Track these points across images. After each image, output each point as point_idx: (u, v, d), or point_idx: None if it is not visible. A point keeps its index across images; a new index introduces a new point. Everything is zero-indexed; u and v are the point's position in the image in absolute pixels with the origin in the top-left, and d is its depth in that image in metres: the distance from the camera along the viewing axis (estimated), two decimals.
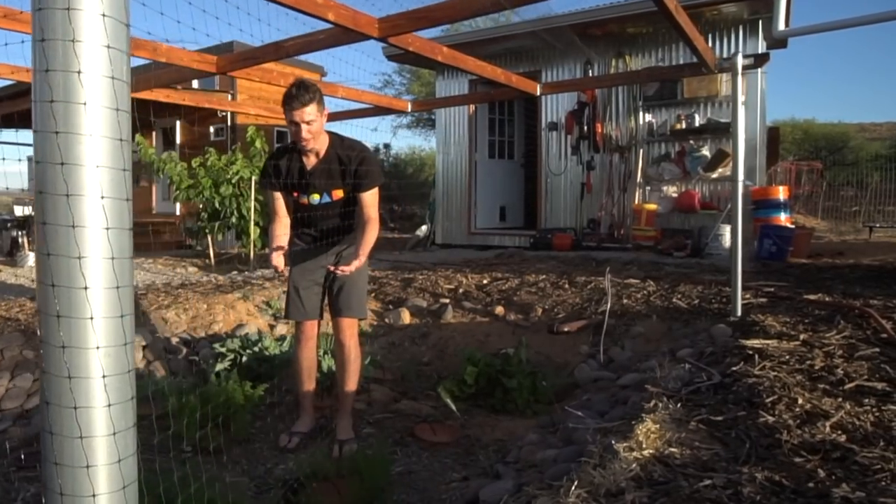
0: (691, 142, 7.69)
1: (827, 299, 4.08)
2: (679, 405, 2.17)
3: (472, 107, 9.24)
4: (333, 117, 6.85)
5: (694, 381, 2.45)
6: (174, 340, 4.12)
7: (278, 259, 2.64)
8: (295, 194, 2.83)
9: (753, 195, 7.24)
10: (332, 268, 2.62)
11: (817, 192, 15.26)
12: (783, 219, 7.24)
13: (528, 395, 3.37)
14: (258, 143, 7.56)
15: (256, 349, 3.77)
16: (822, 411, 2.00)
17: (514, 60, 8.81)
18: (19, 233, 7.93)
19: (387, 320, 4.92)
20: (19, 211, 9.05)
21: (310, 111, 2.56)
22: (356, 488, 2.34)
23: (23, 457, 2.72)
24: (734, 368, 2.51)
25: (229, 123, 10.96)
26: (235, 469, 2.68)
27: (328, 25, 2.76)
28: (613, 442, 1.79)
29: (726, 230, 6.94)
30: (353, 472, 2.42)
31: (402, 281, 5.65)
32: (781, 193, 7.40)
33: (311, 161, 2.75)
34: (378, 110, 5.15)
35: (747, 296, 4.34)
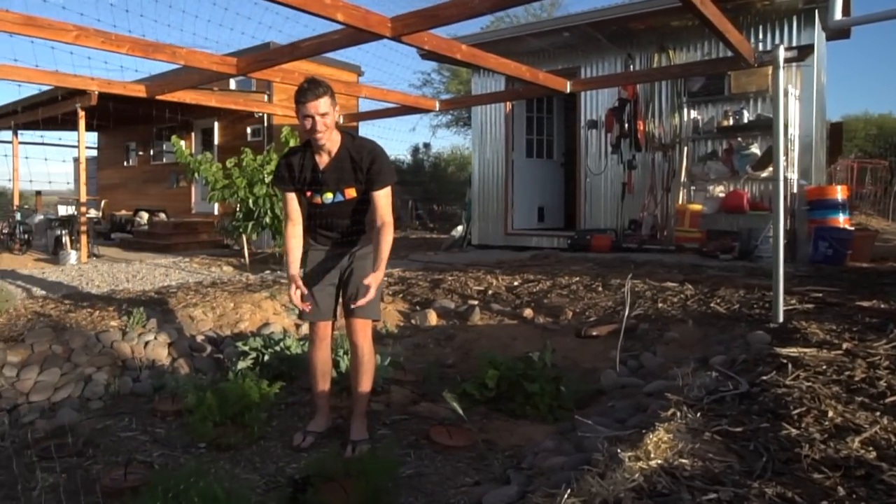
0: (739, 139, 7.42)
1: (882, 306, 3.87)
2: (699, 414, 2.09)
3: (509, 105, 9.18)
4: (360, 117, 6.92)
5: (719, 390, 2.35)
6: (199, 338, 4.23)
7: (298, 297, 2.69)
8: (308, 194, 2.85)
9: (809, 195, 6.95)
10: (353, 304, 2.69)
11: (881, 192, 14.50)
12: (841, 220, 6.89)
13: (550, 401, 3.30)
14: (292, 143, 7.69)
15: (278, 348, 3.83)
16: (853, 425, 1.89)
17: (552, 57, 8.72)
18: (63, 232, 8.30)
19: (413, 321, 4.93)
20: (63, 210, 9.47)
21: (323, 103, 2.60)
22: (363, 489, 2.35)
23: (52, 447, 2.84)
24: (764, 378, 2.40)
25: (266, 124, 11.21)
26: (247, 467, 2.73)
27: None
28: (619, 451, 1.73)
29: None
30: (361, 472, 2.42)
31: (430, 282, 5.65)
32: (839, 193, 7.05)
33: (323, 160, 2.78)
34: (405, 109, 5.16)
35: (793, 301, 4.16)
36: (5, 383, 3.34)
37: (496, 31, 8.41)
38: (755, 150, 7.32)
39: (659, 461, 1.68)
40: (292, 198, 2.86)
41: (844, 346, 2.84)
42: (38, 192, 12.89)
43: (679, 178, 7.75)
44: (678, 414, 2.08)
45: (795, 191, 7.00)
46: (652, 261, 6.43)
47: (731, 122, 7.42)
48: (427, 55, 9.16)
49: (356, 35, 3.00)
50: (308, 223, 2.95)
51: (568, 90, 4.51)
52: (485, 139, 9.51)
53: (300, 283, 2.73)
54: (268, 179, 7.55)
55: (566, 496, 1.44)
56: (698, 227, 7.36)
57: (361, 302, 2.61)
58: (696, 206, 7.44)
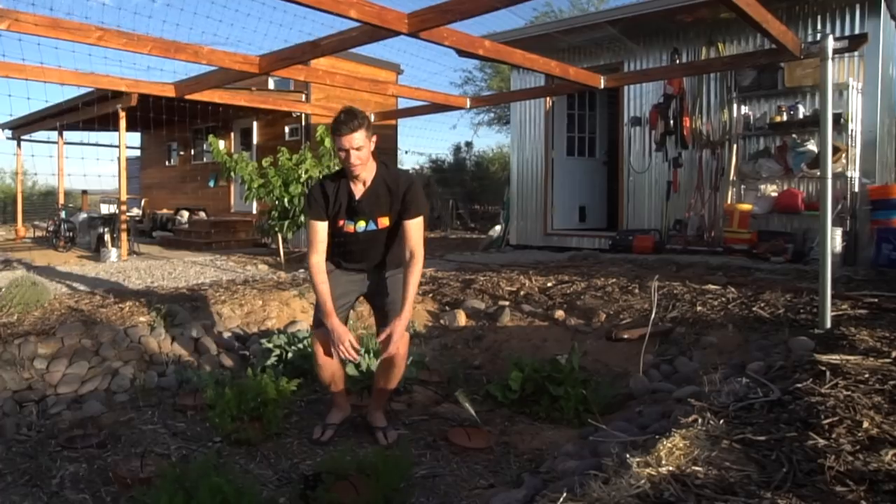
0: (794, 136, 7.14)
1: None
2: (722, 421, 2.01)
3: (549, 102, 9.10)
4: (388, 116, 6.95)
5: (748, 397, 2.26)
6: (226, 335, 4.34)
7: (349, 350, 2.69)
8: (340, 223, 2.86)
9: (871, 194, 6.63)
10: (385, 354, 2.73)
11: None
12: None
13: (576, 405, 3.24)
14: (327, 143, 7.80)
15: (301, 346, 3.89)
16: (891, 438, 1.79)
17: (594, 53, 8.60)
18: (104, 229, 8.65)
19: (442, 321, 4.93)
20: (105, 209, 9.87)
21: (358, 137, 2.64)
22: (374, 488, 2.36)
23: (76, 438, 2.96)
24: (798, 385, 2.30)
25: (303, 123, 11.42)
26: (262, 462, 2.78)
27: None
28: (628, 456, 1.68)
29: (837, 233, 6.40)
30: (374, 471, 2.43)
31: (462, 282, 5.64)
32: None
33: (358, 188, 2.82)
34: (435, 107, 5.17)
35: (844, 306, 3.98)
36: (35, 375, 3.50)
37: (536, 26, 8.34)
38: (811, 146, 7.02)
39: (670, 468, 1.63)
40: (323, 227, 2.84)
41: (894, 354, 2.69)
42: (85, 192, 13.47)
43: (728, 177, 7.51)
44: (700, 420, 2.01)
45: (857, 190, 6.69)
46: (696, 262, 6.26)
47: (784, 117, 7.15)
48: (464, 52, 9.17)
49: (373, 32, 3.03)
50: (335, 251, 2.95)
51: (602, 86, 4.43)
52: (524, 137, 9.45)
53: (344, 330, 2.72)
54: (303, 178, 7.68)
55: (561, 500, 1.40)
56: (748, 228, 7.12)
57: (392, 350, 2.64)
58: (747, 206, 7.20)
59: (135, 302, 4.62)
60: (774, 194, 7.21)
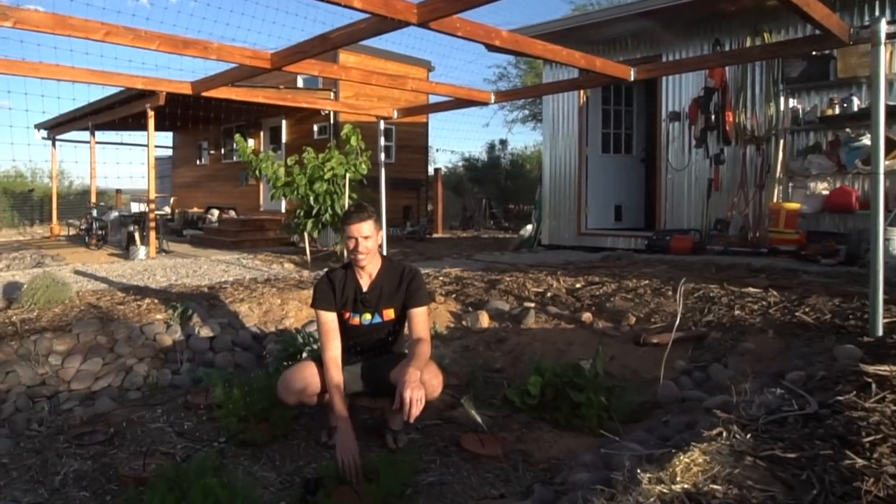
0: (847, 130, 6.80)
1: None
2: (749, 436, 1.87)
3: (583, 97, 8.92)
4: (409, 112, 6.83)
5: (781, 410, 2.11)
6: (243, 333, 4.33)
7: (351, 468, 2.50)
8: (346, 315, 2.92)
9: None
10: (409, 419, 2.51)
11: None
12: None
13: (598, 412, 3.11)
14: (353, 141, 7.80)
15: (316, 346, 3.85)
16: None
17: (632, 46, 8.40)
18: (134, 228, 8.83)
19: (464, 323, 4.84)
20: (135, 207, 10.08)
21: (366, 227, 2.81)
22: (376, 494, 2.29)
23: (84, 434, 2.97)
24: (839, 398, 2.13)
25: (331, 121, 11.48)
26: (267, 464, 2.73)
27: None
28: (639, 471, 1.57)
29: (893, 234, 6.07)
30: (377, 477, 2.36)
31: (487, 282, 5.54)
32: None
33: (365, 281, 2.93)
34: (459, 102, 5.08)
35: None
36: (49, 371, 3.54)
37: (571, 18, 8.18)
38: (867, 141, 6.69)
39: (685, 486, 1.51)
40: (333, 318, 2.87)
41: None
42: (119, 191, 13.83)
43: (774, 174, 7.22)
44: (724, 434, 1.88)
45: None
46: (738, 264, 6.01)
47: (837, 110, 6.82)
48: (492, 47, 9.05)
49: (382, 22, 2.96)
50: (343, 348, 2.95)
51: (632, 78, 4.26)
52: (556, 133, 9.28)
53: (353, 443, 2.56)
54: (328, 176, 7.70)
55: None
56: (795, 228, 6.82)
57: (415, 412, 2.46)
58: (794, 205, 6.90)
59: (153, 299, 4.67)
60: (825, 192, 6.88)
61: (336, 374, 2.78)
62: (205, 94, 4.30)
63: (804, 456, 1.67)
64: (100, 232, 9.89)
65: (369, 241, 2.83)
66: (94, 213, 10.25)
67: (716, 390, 3.18)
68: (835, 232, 6.72)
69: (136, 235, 8.63)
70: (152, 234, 8.60)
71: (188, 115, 11.17)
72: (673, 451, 1.71)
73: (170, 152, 16.51)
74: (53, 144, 13.06)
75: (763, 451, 1.73)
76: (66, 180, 21.91)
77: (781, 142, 7.16)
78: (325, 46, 3.27)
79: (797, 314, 3.96)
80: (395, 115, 5.76)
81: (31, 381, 3.46)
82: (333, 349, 2.82)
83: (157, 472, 2.31)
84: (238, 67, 3.86)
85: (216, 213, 12.86)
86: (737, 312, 4.15)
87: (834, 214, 6.79)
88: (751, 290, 4.57)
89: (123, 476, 2.57)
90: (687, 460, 1.64)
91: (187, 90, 4.26)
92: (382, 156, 5.92)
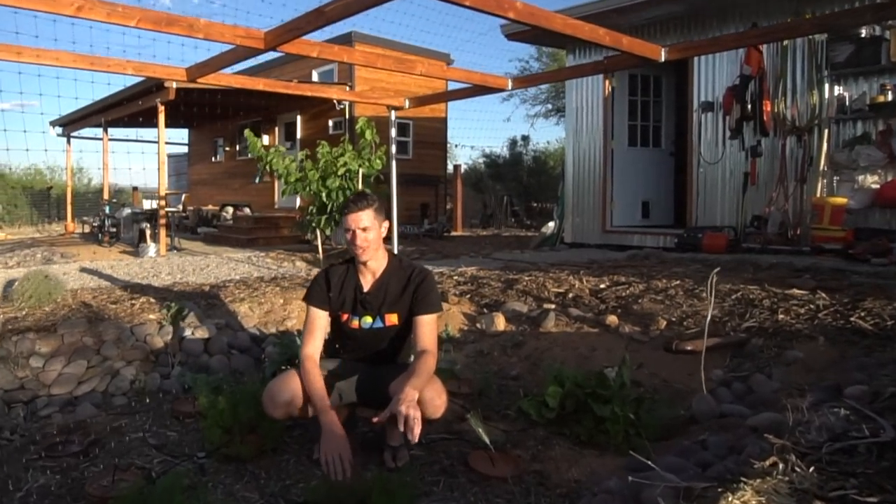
0: None
1: None
2: (812, 469, 1.55)
3: (608, 88, 8.56)
4: (422, 101, 6.52)
5: (848, 435, 1.77)
6: (241, 335, 4.09)
7: (339, 467, 2.32)
8: (344, 317, 2.68)
9: None
10: (412, 438, 2.24)
11: None
12: None
13: (626, 428, 2.80)
14: (368, 135, 7.55)
15: None
16: None
17: (664, 31, 8.03)
18: (145, 225, 8.71)
19: (479, 325, 4.55)
20: (147, 205, 9.98)
21: (365, 217, 2.56)
22: None
23: (58, 444, 2.75)
24: None
25: (347, 116, 11.27)
26: (250, 482, 2.46)
27: None
28: None
29: None
30: (369, 501, 2.09)
31: (504, 282, 5.24)
32: None
33: (367, 281, 2.68)
34: (476, 90, 4.78)
35: None
36: (30, 374, 3.34)
37: (594, 4, 7.82)
38: None
39: None
40: (322, 316, 2.65)
41: None
42: (135, 188, 13.79)
43: (817, 167, 6.80)
44: (781, 466, 1.56)
45: None
46: (778, 263, 5.62)
47: (889, 97, 6.37)
48: (513, 35, 8.74)
49: None
50: (335, 346, 2.78)
51: (662, 58, 3.93)
52: (580, 126, 8.94)
53: (342, 436, 2.38)
54: (340, 171, 7.46)
55: None
56: (842, 225, 6.40)
57: (417, 432, 2.21)
58: (840, 200, 6.48)
59: (149, 298, 4.46)
60: (875, 186, 6.43)
61: (311, 367, 2.52)
62: (201, 80, 4.07)
63: (887, 500, 1.35)
64: (112, 229, 9.81)
65: (369, 232, 2.57)
66: (107, 210, 10.18)
67: (760, 405, 2.84)
68: (886, 229, 6.28)
69: (147, 233, 8.50)
70: (163, 232, 8.46)
71: (202, 111, 11.04)
72: (717, 487, 1.39)
73: (186, 149, 16.47)
74: (68, 141, 13.04)
75: (832, 490, 1.41)
76: (84, 178, 22.10)
77: (826, 132, 6.74)
78: (319, 22, 3.00)
79: (852, 319, 3.59)
80: (407, 104, 5.48)
81: (9, 385, 3.25)
82: (310, 346, 2.59)
83: (119, 495, 2.06)
84: (233, 50, 3.62)
85: (231, 210, 12.74)
86: (780, 317, 3.79)
87: (885, 210, 6.36)
88: (795, 291, 4.20)
89: (91, 495, 2.33)
90: (738, 503, 1.32)
91: (182, 76, 4.03)
92: (394, 148, 5.65)
